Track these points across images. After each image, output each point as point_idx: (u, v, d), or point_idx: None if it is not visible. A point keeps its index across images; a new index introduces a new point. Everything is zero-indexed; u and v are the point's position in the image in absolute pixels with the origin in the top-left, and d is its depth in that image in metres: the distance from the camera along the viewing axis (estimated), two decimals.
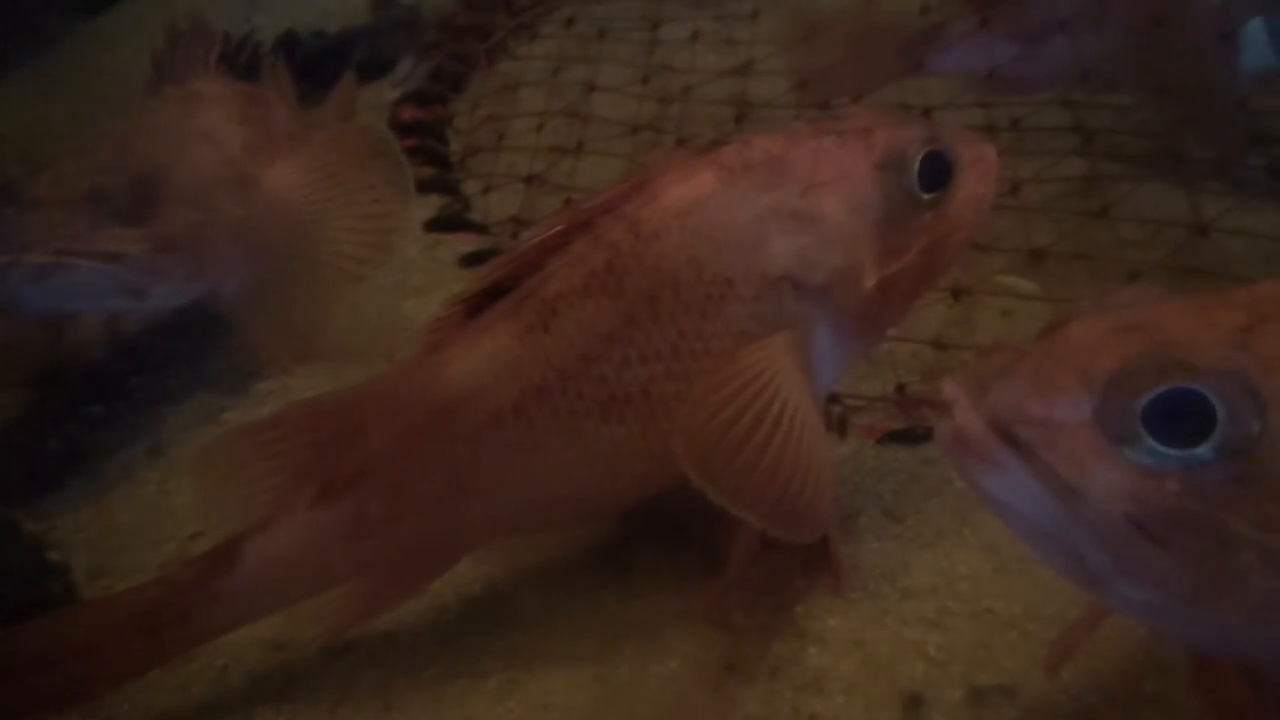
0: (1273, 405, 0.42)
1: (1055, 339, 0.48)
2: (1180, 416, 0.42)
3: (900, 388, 0.92)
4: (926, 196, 0.70)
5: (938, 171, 0.71)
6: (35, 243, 0.81)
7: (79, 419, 0.94)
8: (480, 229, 1.16)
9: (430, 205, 1.19)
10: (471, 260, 1.11)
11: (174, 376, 0.98)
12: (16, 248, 0.80)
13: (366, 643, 0.73)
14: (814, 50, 1.21)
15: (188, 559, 0.68)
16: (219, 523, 0.67)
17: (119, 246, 0.84)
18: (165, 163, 0.88)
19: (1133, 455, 0.42)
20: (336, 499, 0.66)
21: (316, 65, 1.60)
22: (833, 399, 0.89)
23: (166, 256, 0.86)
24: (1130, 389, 0.42)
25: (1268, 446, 0.42)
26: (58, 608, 0.75)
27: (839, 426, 0.88)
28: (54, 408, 0.95)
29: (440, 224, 1.17)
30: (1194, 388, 0.42)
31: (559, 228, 0.68)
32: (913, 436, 0.88)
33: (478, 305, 0.69)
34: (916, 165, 0.70)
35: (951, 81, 1.22)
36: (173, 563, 0.79)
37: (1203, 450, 0.42)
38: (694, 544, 0.76)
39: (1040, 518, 0.46)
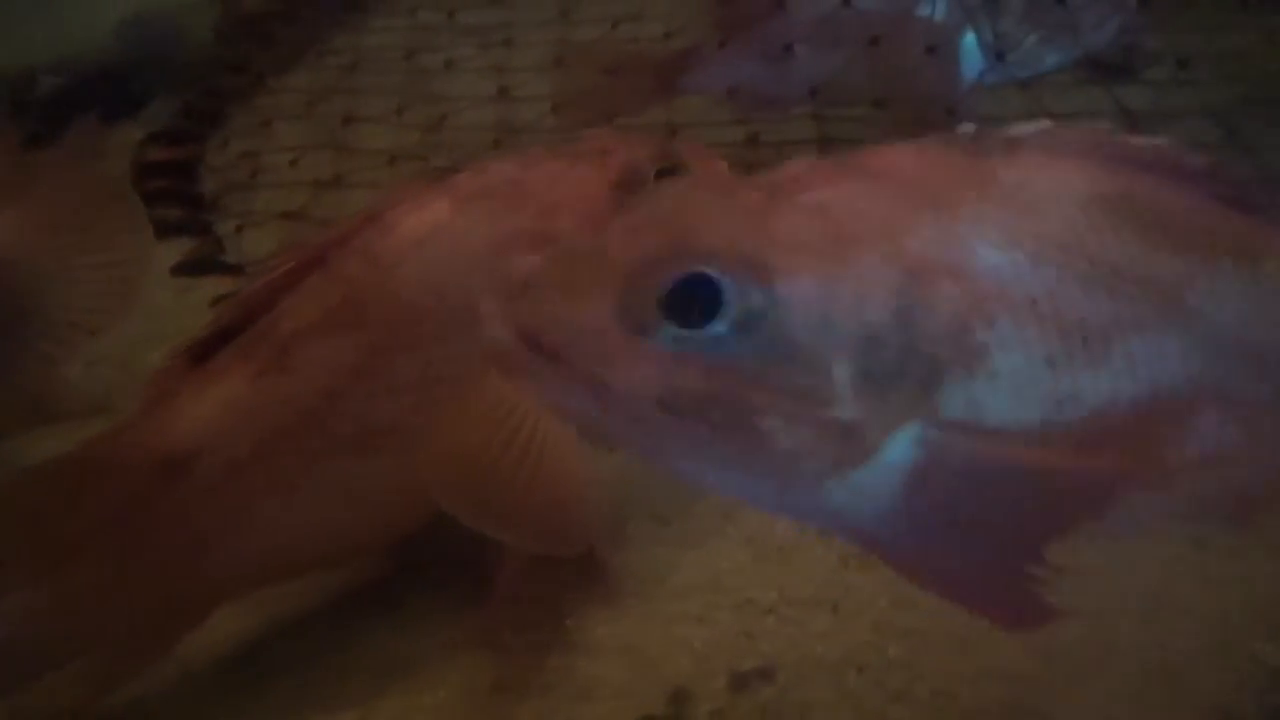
0: (785, 278, 0.44)
1: (582, 244, 0.50)
2: (695, 300, 0.44)
3: None
4: None
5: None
6: None
7: None
8: (234, 270, 1.12)
9: (182, 248, 1.14)
10: (216, 304, 1.07)
11: None
12: None
13: (109, 717, 0.69)
14: (571, 75, 1.25)
15: None
16: None
17: None
18: None
19: (656, 343, 0.44)
20: (47, 579, 0.62)
21: (58, 106, 1.51)
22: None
23: None
24: (644, 281, 0.44)
25: (781, 319, 0.44)
26: None
27: (604, 440, 0.90)
28: None
29: (190, 267, 1.12)
30: (701, 271, 0.44)
31: (290, 265, 0.67)
32: None
33: (204, 353, 0.67)
34: (650, 181, 0.73)
35: (712, 101, 1.28)
36: None
37: (716, 328, 0.44)
38: (464, 571, 0.76)
39: (590, 415, 0.47)
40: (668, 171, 0.75)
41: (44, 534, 0.63)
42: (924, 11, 1.23)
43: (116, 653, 0.66)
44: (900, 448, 0.46)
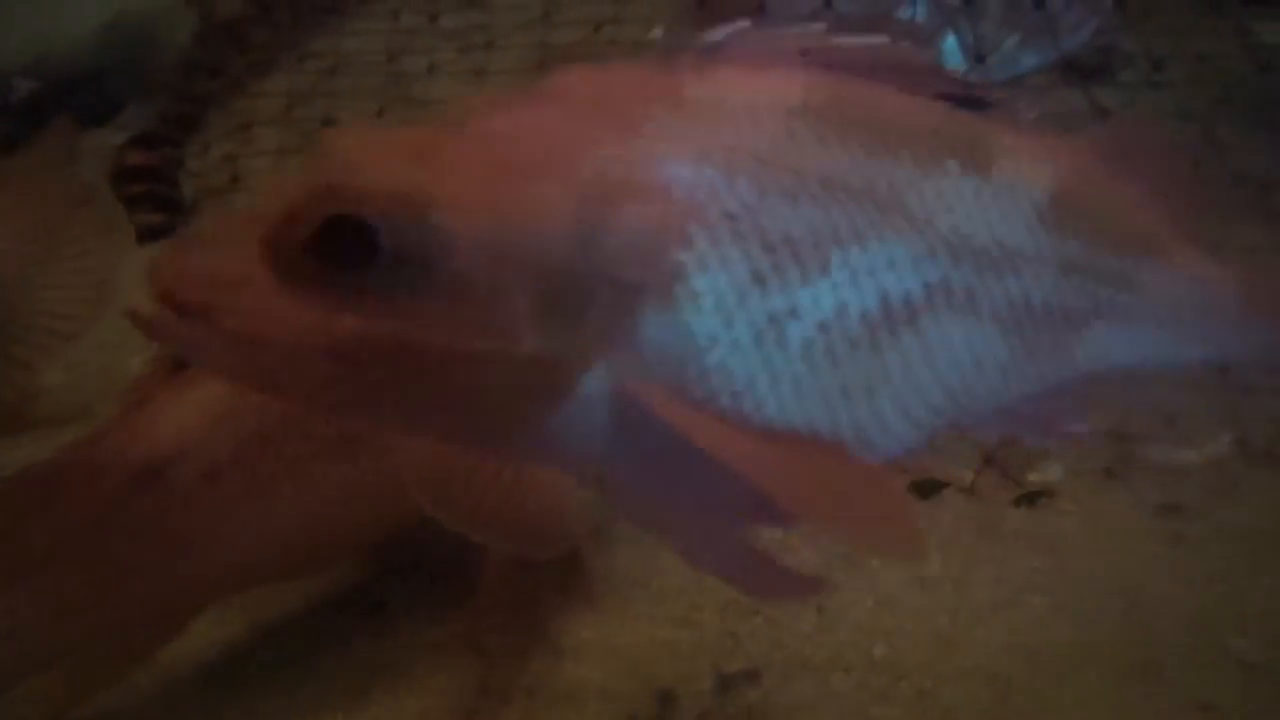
0: (447, 211, 0.42)
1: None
2: (343, 243, 0.41)
3: None
4: None
5: None
6: None
7: None
8: None
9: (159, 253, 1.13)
10: None
11: None
12: None
13: None
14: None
15: None
16: None
17: None
18: None
19: (314, 291, 0.42)
20: (24, 583, 0.61)
21: (33, 111, 1.50)
22: None
23: None
24: (290, 227, 0.41)
25: (447, 254, 0.42)
26: None
27: None
28: None
29: None
30: (346, 211, 0.41)
31: None
32: None
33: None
34: None
35: None
36: None
37: (372, 270, 0.41)
38: (446, 575, 0.76)
39: (253, 375, 0.45)
40: None
41: (21, 540, 0.62)
42: (904, 14, 1.24)
43: (95, 658, 0.65)
44: (599, 380, 0.43)
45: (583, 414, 0.44)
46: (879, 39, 0.50)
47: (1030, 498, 0.85)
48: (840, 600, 0.77)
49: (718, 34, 0.48)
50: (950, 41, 1.31)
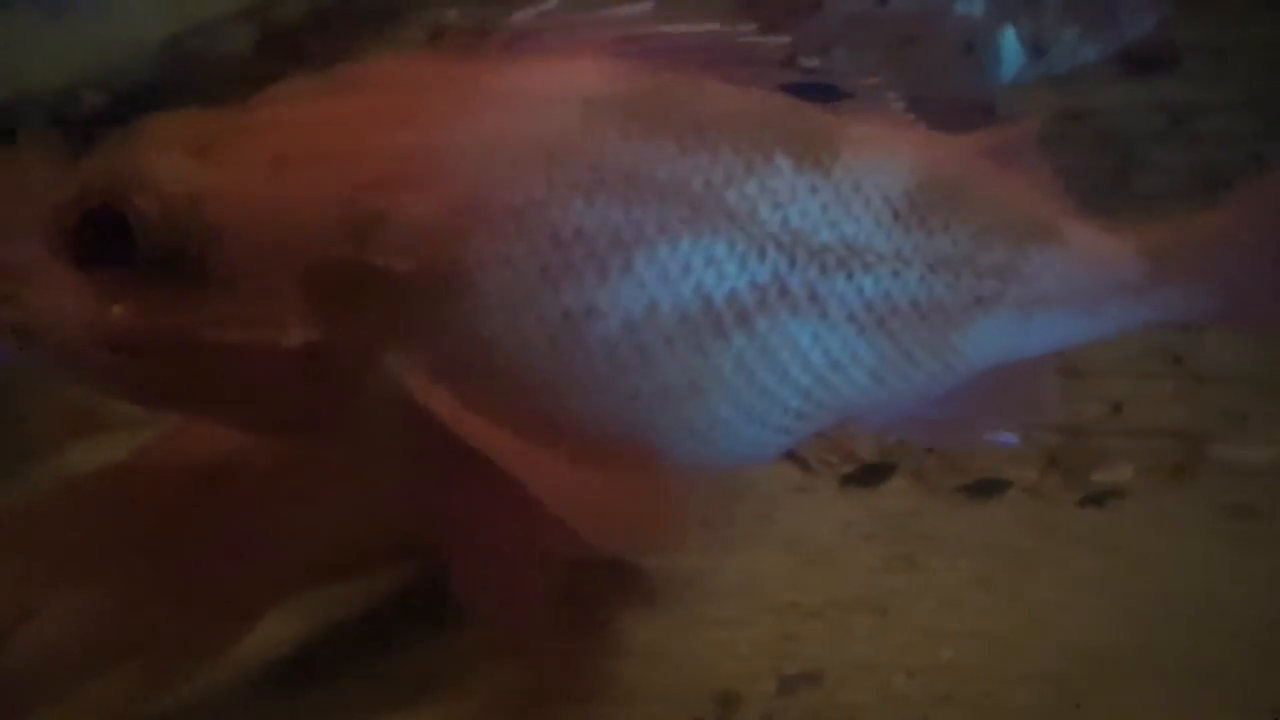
0: (216, 203, 0.42)
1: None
2: (105, 234, 0.41)
3: None
4: None
5: None
6: None
7: None
8: None
9: None
10: None
11: None
12: None
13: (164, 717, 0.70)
14: None
15: None
16: None
17: None
18: None
19: (85, 280, 0.42)
20: (99, 580, 0.63)
21: (99, 122, 1.54)
22: None
23: None
24: (62, 217, 0.42)
25: (215, 245, 0.41)
26: None
27: None
28: None
29: None
30: (107, 203, 0.41)
31: None
32: None
33: None
34: None
35: None
36: None
37: (136, 261, 0.41)
38: (505, 575, 0.76)
39: (43, 361, 0.45)
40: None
41: (96, 540, 0.64)
42: (961, 8, 1.22)
43: (164, 657, 0.67)
44: (382, 376, 0.43)
45: (369, 410, 0.43)
46: (714, 27, 0.48)
47: (1096, 498, 0.83)
48: (900, 601, 0.76)
49: (527, 18, 0.46)
50: (1008, 34, 1.29)
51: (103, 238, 0.41)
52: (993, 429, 0.58)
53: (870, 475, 0.89)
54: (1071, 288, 0.55)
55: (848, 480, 0.88)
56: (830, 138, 0.49)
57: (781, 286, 0.47)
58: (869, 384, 0.51)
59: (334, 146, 0.43)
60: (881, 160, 0.50)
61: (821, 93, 0.54)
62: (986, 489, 0.86)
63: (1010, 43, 1.31)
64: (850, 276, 0.48)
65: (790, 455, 0.90)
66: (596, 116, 0.45)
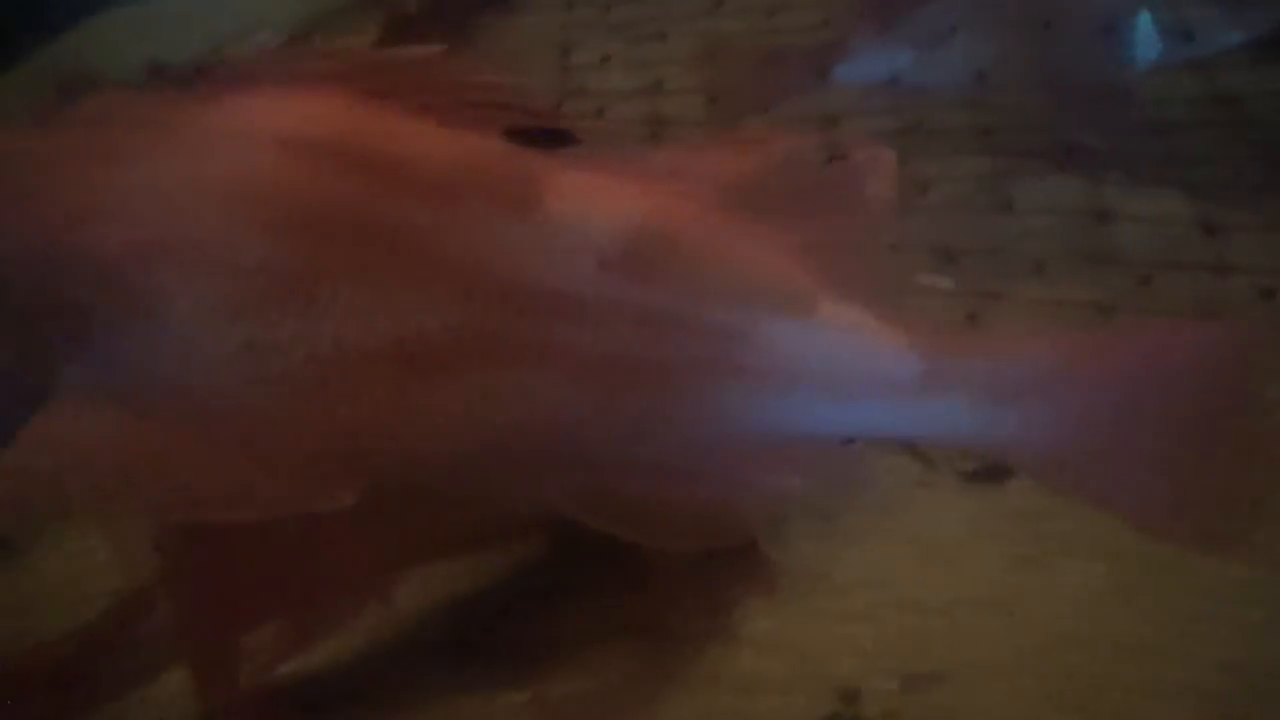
0: None
1: None
2: None
3: None
4: None
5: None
6: None
7: None
8: None
9: None
10: None
11: None
12: None
13: (289, 680, 0.72)
14: (723, 67, 1.24)
15: (103, 610, 0.67)
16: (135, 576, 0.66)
17: None
18: None
19: None
20: (236, 547, 0.65)
21: None
22: None
23: None
24: None
25: None
26: None
27: None
28: None
29: None
30: None
31: None
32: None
33: None
34: (816, 172, 0.72)
35: (855, 90, 1.25)
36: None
37: None
38: (625, 558, 0.76)
39: None
40: (829, 159, 0.73)
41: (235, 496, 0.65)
42: None
43: (294, 624, 0.69)
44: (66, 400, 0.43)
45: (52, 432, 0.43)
46: (439, 66, 0.48)
47: None
48: (1029, 604, 0.74)
49: (244, 57, 0.48)
50: (1144, 19, 1.24)
51: None
52: (745, 497, 0.54)
53: (994, 473, 0.86)
54: (816, 369, 0.51)
55: (971, 477, 0.86)
56: (537, 184, 0.48)
57: (477, 330, 0.46)
58: (579, 431, 0.50)
59: (30, 181, 0.45)
60: (592, 209, 0.48)
61: (551, 138, 0.51)
62: None
63: (1146, 26, 1.25)
64: (550, 324, 0.47)
65: (912, 450, 0.88)
66: (290, 156, 0.45)
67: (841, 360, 0.51)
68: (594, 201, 0.49)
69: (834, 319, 0.51)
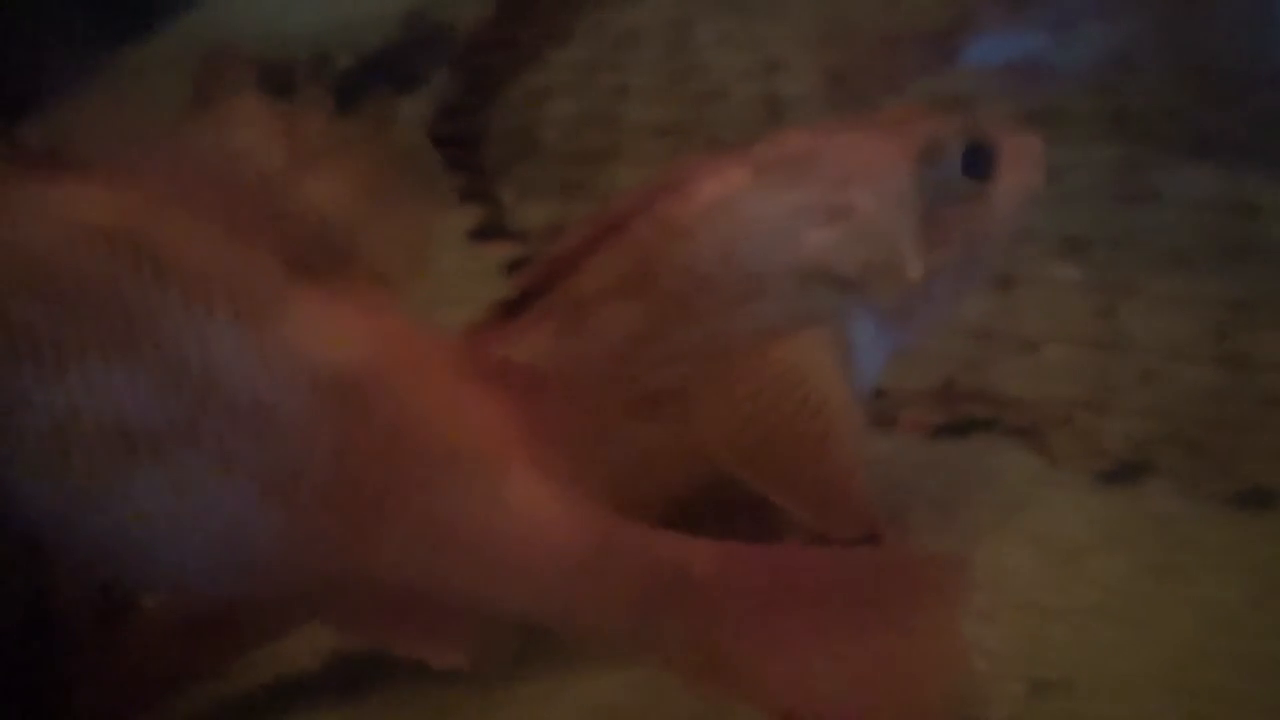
0: None
1: None
2: None
3: (948, 381, 0.91)
4: (968, 188, 0.70)
5: (979, 162, 0.70)
6: None
7: None
8: (517, 238, 1.17)
9: (466, 216, 1.20)
10: (510, 269, 1.12)
11: None
12: None
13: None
14: (846, 47, 1.21)
15: None
16: None
17: None
18: None
19: None
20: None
21: (349, 83, 1.64)
22: (879, 393, 0.89)
23: None
24: None
25: None
26: (120, 611, 0.76)
27: (886, 421, 0.88)
28: None
29: (478, 233, 1.18)
30: None
31: (591, 229, 0.69)
32: (961, 430, 0.87)
33: (513, 310, 0.69)
34: (956, 156, 0.70)
35: (983, 72, 1.21)
36: None
37: None
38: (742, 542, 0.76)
39: None
40: (976, 146, 0.71)
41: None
42: None
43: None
44: None
45: None
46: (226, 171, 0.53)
47: None
48: (1160, 615, 0.70)
49: (88, 138, 0.51)
50: None
51: None
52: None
53: (1124, 474, 0.83)
54: (482, 536, 0.51)
55: (1099, 477, 0.83)
56: (279, 304, 0.50)
57: (194, 429, 0.49)
58: (275, 548, 0.51)
59: None
60: (323, 331, 0.51)
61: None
62: (1262, 499, 0.79)
63: None
64: (257, 435, 0.49)
65: (1037, 446, 0.85)
66: (71, 235, 0.49)
67: (511, 531, 0.52)
68: (329, 324, 0.51)
69: (516, 486, 0.52)
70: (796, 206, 0.68)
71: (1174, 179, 1.07)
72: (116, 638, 0.67)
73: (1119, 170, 1.11)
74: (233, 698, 0.71)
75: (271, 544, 0.50)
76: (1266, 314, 0.93)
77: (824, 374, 0.66)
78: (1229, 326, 0.92)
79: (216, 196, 0.51)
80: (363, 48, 1.66)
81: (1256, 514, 0.78)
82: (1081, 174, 1.10)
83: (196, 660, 0.67)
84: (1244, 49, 1.13)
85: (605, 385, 0.68)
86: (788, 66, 1.28)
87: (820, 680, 0.53)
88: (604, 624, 0.54)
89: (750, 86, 1.29)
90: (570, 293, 0.68)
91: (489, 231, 1.18)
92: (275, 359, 0.49)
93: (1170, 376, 0.89)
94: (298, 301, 0.51)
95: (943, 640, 0.55)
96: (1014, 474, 0.83)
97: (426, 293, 1.09)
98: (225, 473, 0.49)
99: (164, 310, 0.48)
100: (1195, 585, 0.72)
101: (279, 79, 1.13)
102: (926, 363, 0.93)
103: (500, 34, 1.56)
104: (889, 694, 0.54)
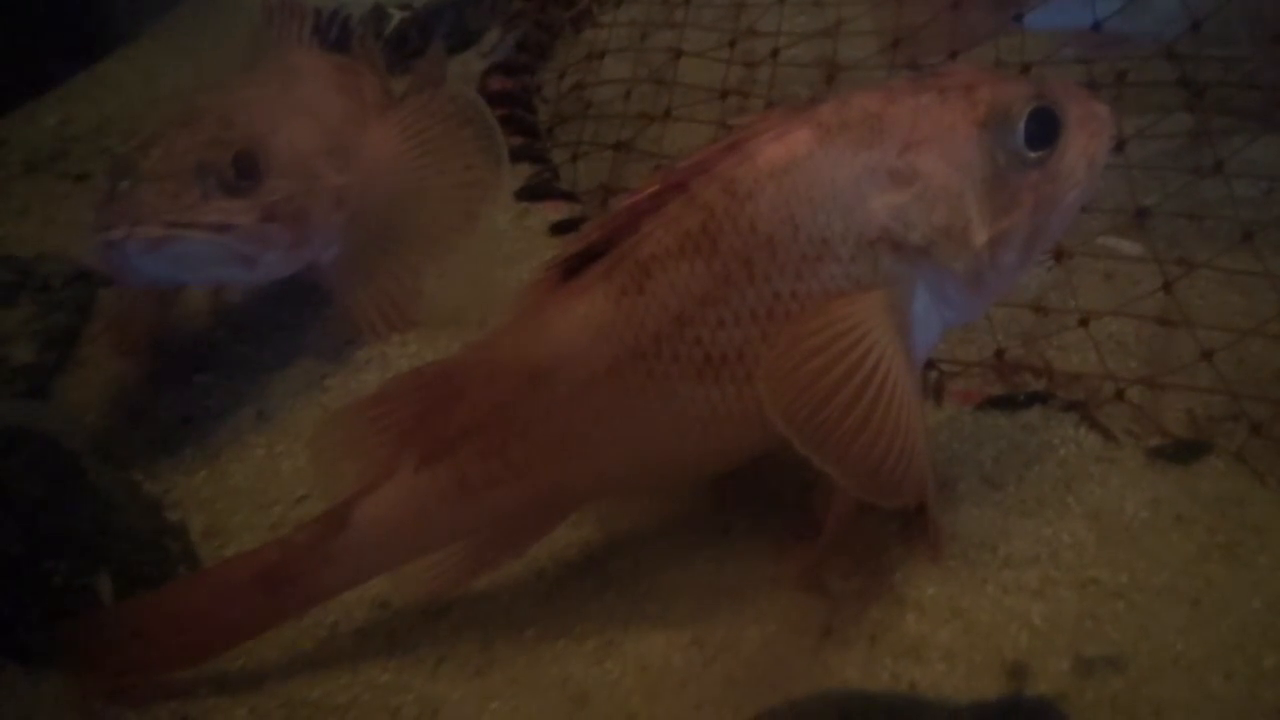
0: None
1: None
2: None
3: (999, 353, 0.90)
4: (1034, 155, 0.68)
5: (1045, 129, 0.68)
6: (148, 216, 0.83)
7: (189, 386, 0.97)
8: (569, 197, 1.16)
9: (519, 174, 1.20)
10: (561, 228, 1.12)
11: (276, 345, 1.01)
12: (130, 221, 0.83)
13: (467, 603, 0.74)
14: (905, 8, 1.18)
15: (303, 523, 0.71)
16: (335, 494, 0.69)
17: (227, 217, 0.85)
18: (267, 134, 0.90)
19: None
20: (438, 463, 0.68)
21: (404, 38, 1.63)
22: (930, 364, 0.88)
23: (273, 225, 0.88)
24: None
25: None
26: (176, 564, 0.79)
27: (936, 392, 0.86)
28: (165, 375, 0.98)
29: (530, 192, 1.17)
30: None
31: (654, 189, 0.68)
32: (1012, 402, 0.86)
33: (573, 269, 0.69)
34: (1023, 122, 0.68)
35: (1047, 37, 1.17)
36: (286, 525, 0.81)
37: None
38: (789, 509, 0.75)
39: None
40: (1043, 112, 0.69)
41: (444, 424, 0.68)
42: None
43: (480, 545, 0.71)
44: None
45: None
46: None
47: None
48: (1219, 595, 0.69)
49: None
50: None
51: None
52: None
53: (1183, 451, 0.81)
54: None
55: (1156, 454, 0.81)
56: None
57: None
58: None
59: None
60: None
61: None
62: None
63: None
64: None
65: (1091, 421, 0.84)
66: None
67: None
68: None
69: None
70: (861, 170, 0.67)
71: (1246, 152, 1.03)
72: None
73: (1188, 141, 1.08)
74: (290, 645, 0.73)
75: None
76: None
77: (884, 334, 0.65)
78: None
79: None
80: (416, 4, 1.66)
81: None
82: (1149, 144, 1.07)
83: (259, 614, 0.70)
84: None
85: (665, 347, 0.67)
86: (846, 29, 1.25)
87: None
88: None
89: (808, 49, 1.27)
90: (630, 253, 0.67)
91: (539, 191, 1.18)
92: None
93: (1232, 354, 0.86)
94: None
95: None
96: (1068, 449, 0.81)
97: (481, 250, 1.10)
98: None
99: None
100: (1254, 568, 0.71)
101: (334, 31, 1.12)
102: (978, 334, 0.91)
103: None
104: None
